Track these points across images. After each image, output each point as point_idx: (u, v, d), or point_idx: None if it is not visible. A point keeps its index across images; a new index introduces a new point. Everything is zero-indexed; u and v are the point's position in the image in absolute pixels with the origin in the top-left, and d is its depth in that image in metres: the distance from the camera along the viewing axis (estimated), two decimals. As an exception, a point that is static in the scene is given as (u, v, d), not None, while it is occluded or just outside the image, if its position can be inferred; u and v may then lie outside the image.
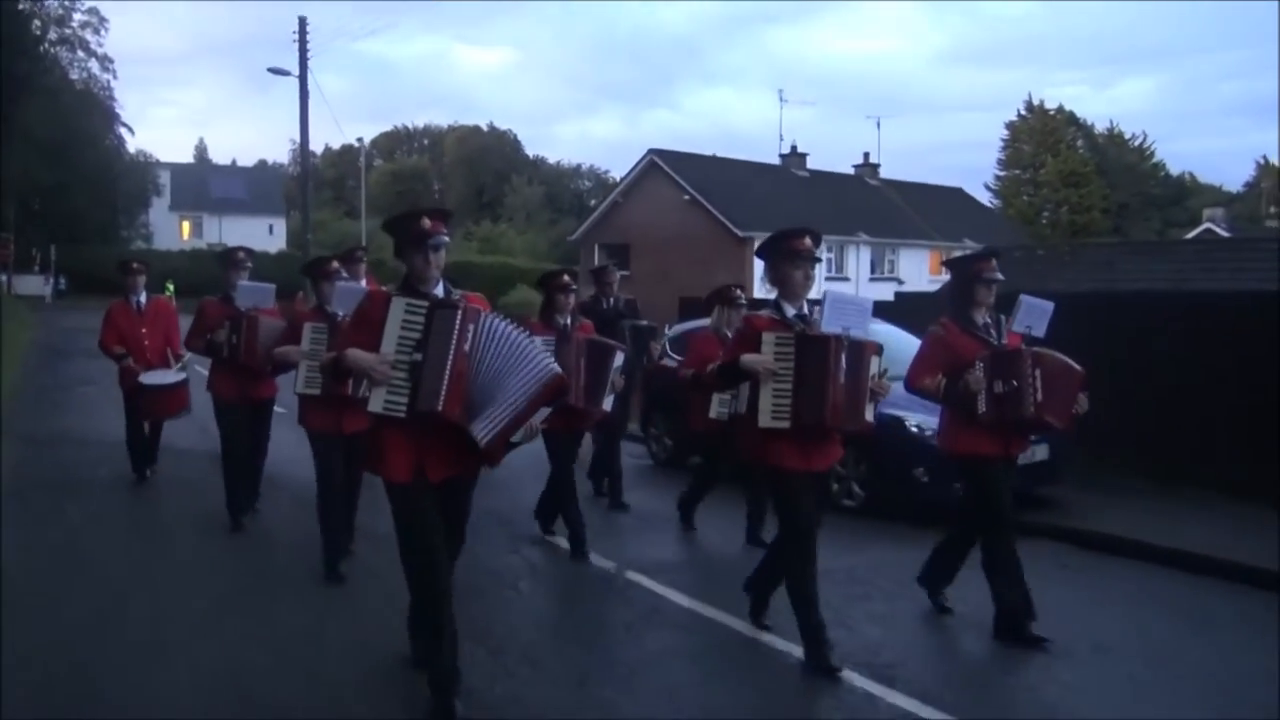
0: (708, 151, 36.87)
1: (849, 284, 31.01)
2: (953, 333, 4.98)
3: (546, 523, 6.84)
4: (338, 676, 4.24)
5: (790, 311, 4.49)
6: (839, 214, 32.86)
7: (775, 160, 37.65)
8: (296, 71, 26.38)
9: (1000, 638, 4.88)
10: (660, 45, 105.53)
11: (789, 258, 4.49)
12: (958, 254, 5.35)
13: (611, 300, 8.04)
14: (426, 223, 3.81)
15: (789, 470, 4.38)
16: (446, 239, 3.85)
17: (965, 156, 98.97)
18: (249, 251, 7.26)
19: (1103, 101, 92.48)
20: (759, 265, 5.36)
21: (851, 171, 39.40)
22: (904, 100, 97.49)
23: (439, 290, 3.83)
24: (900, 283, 31.32)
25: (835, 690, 4.22)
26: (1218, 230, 37.54)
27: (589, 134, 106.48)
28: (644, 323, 8.23)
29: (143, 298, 8.06)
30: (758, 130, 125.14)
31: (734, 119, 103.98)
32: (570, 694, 4.16)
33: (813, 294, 4.66)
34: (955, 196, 42.16)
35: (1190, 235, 36.55)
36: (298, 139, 28.08)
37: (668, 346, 9.55)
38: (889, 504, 7.45)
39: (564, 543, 6.42)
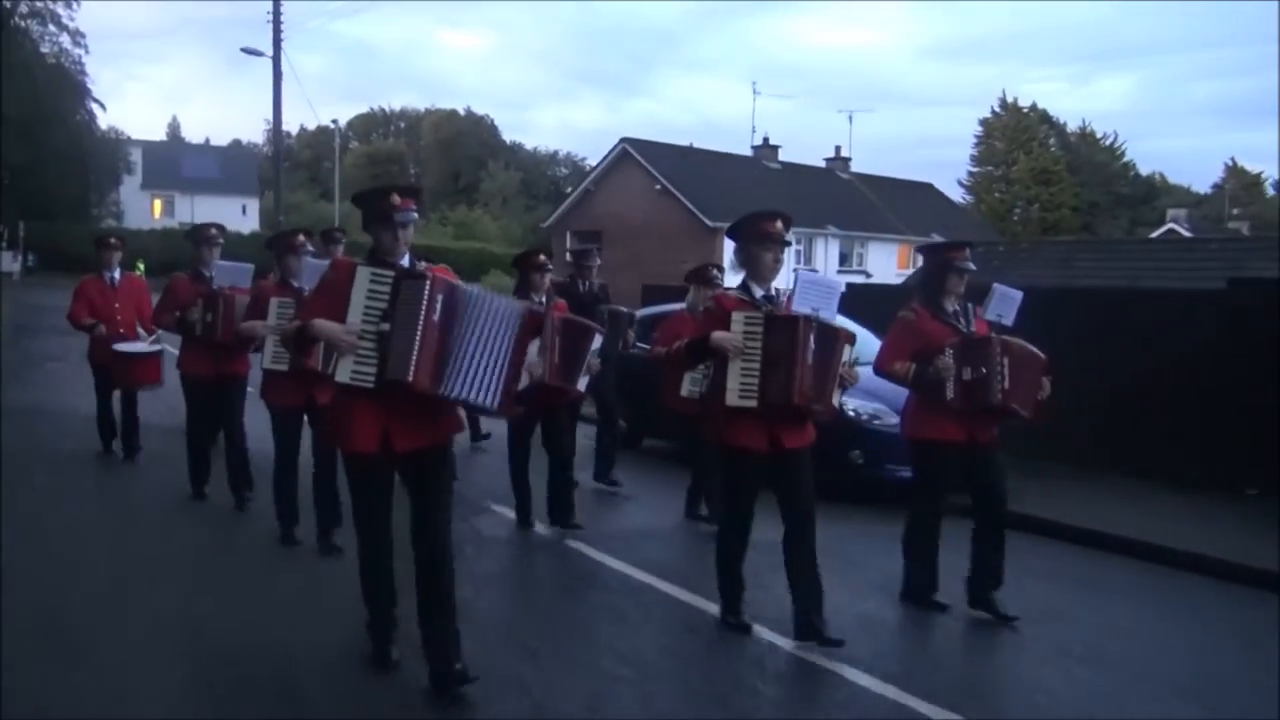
0: (687, 141, 37.24)
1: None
2: (923, 318, 5.06)
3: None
4: (304, 641, 4.43)
5: (758, 293, 4.56)
6: (809, 206, 33.17)
7: (748, 151, 38.03)
8: (270, 52, 26.41)
9: (905, 600, 5.25)
10: (641, 32, 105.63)
11: (759, 240, 4.53)
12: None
13: (588, 284, 7.99)
14: (396, 199, 3.82)
15: (747, 450, 4.46)
16: (415, 215, 3.86)
17: (940, 152, 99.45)
18: (220, 228, 7.22)
19: (1080, 98, 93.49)
20: (729, 256, 5.58)
21: (823, 165, 39.80)
22: (879, 94, 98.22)
23: (404, 262, 3.84)
24: (868, 275, 31.77)
25: (743, 641, 4.62)
26: (1180, 230, 38.36)
27: (568, 121, 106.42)
28: (621, 308, 8.22)
29: (117, 273, 8.11)
30: (737, 120, 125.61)
31: (714, 109, 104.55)
32: (497, 642, 4.49)
33: (781, 283, 4.71)
34: (925, 192, 42.72)
35: (1154, 235, 37.34)
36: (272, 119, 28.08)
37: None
38: (824, 484, 7.78)
39: (510, 512, 6.76)
